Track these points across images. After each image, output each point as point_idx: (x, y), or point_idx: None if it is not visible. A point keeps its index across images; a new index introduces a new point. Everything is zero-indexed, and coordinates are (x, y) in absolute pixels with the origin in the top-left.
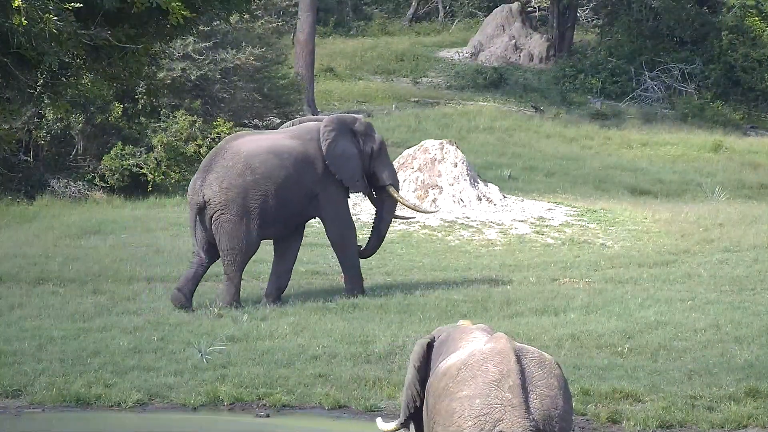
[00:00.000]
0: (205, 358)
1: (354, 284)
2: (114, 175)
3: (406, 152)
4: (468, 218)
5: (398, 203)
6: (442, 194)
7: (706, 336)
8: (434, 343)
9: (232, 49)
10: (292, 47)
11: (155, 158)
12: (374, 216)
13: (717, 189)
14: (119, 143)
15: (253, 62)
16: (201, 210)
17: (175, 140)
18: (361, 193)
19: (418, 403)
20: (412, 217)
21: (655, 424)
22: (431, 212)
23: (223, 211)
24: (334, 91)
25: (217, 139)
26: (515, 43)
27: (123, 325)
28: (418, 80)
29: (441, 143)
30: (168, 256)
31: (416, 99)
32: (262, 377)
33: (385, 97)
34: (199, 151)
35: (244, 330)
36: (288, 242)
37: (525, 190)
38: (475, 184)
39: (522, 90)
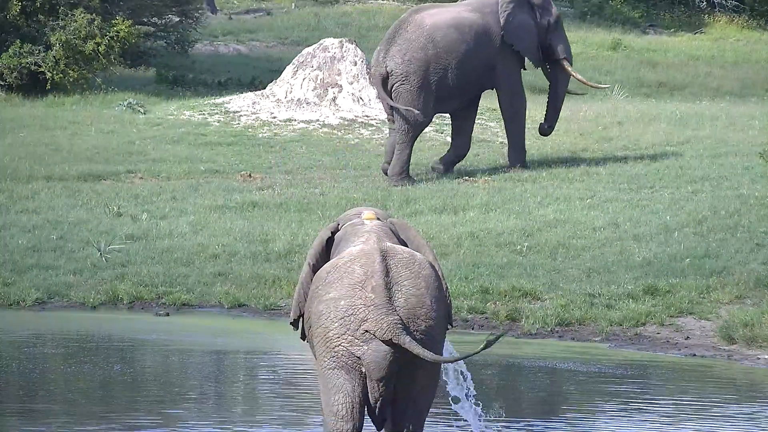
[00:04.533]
0: (105, 256)
1: (517, 155)
2: (12, 73)
3: (305, 51)
4: (368, 117)
5: (571, 77)
6: (342, 93)
7: (605, 234)
8: (334, 237)
9: None
10: None
11: (53, 56)
12: (549, 90)
13: (616, 87)
14: (17, 41)
15: None
16: (384, 81)
17: (74, 38)
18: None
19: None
20: (584, 93)
21: (553, 322)
22: (602, 87)
23: (403, 82)
24: None
25: (116, 38)
26: None
27: (22, 223)
28: None
29: (340, 42)
30: (67, 155)
31: None
32: (162, 276)
33: None
34: (97, 50)
35: (143, 229)
36: (465, 114)
37: None
38: None
39: None
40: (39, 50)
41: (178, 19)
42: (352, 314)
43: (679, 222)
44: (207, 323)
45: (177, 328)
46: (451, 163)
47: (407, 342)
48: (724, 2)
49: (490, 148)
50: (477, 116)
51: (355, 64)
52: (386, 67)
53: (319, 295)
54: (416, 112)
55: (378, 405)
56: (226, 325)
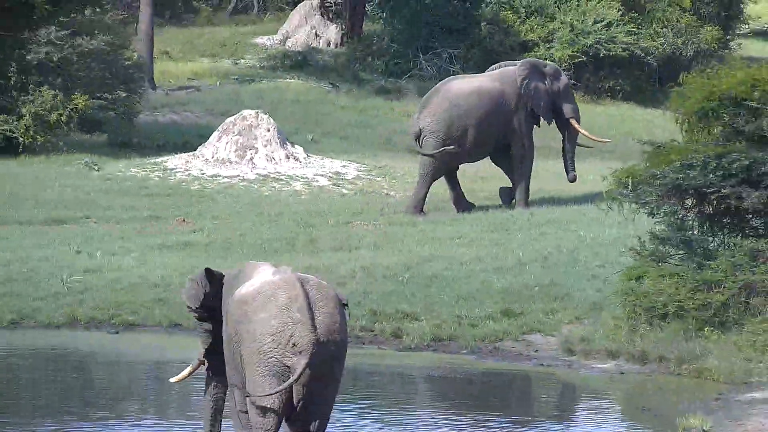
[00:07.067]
0: (66, 286)
1: (524, 196)
2: None
3: (228, 120)
4: (279, 173)
5: (579, 133)
6: (258, 154)
7: (471, 267)
8: (224, 277)
9: (86, 36)
10: (136, 34)
11: (24, 124)
12: (562, 144)
13: None
14: None
15: (104, 47)
16: (417, 138)
17: (42, 110)
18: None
19: (201, 296)
20: (590, 146)
21: (429, 338)
22: (605, 141)
23: (429, 136)
24: (170, 70)
25: (75, 110)
26: (315, 31)
27: None
28: (237, 61)
29: (257, 113)
30: (35, 204)
31: (236, 77)
32: (112, 301)
33: (211, 75)
34: (60, 119)
35: (97, 263)
36: (501, 162)
37: (325, 150)
38: (285, 145)
39: (322, 70)
40: (12, 119)
41: (125, 94)
42: (282, 331)
43: (530, 257)
44: (149, 339)
45: (125, 344)
46: (507, 196)
47: (302, 364)
48: None
49: (377, 198)
50: (366, 173)
51: (269, 130)
52: (419, 125)
53: (248, 316)
54: (450, 148)
55: (299, 405)
56: (165, 342)
